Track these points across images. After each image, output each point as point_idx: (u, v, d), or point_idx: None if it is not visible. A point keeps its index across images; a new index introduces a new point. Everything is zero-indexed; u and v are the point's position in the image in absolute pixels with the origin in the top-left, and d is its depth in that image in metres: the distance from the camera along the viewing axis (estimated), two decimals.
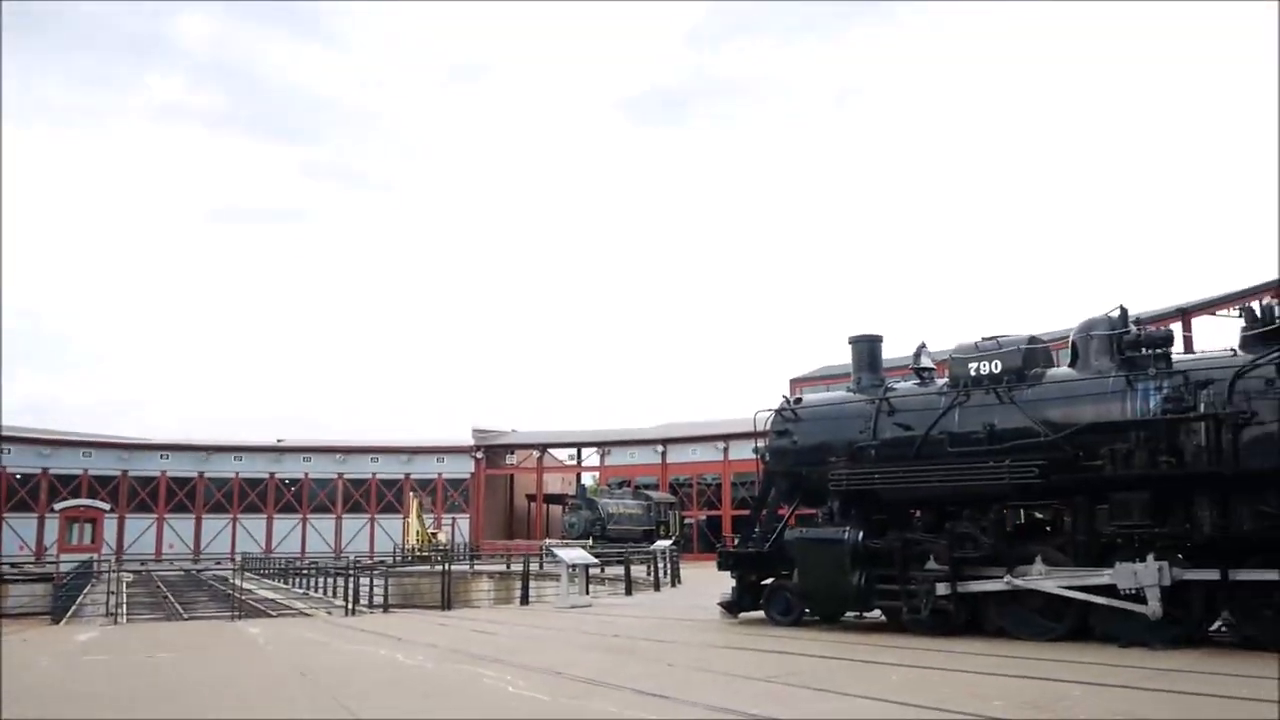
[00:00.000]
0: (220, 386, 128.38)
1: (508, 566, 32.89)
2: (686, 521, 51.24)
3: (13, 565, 42.28)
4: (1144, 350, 11.03)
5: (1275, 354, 9.98)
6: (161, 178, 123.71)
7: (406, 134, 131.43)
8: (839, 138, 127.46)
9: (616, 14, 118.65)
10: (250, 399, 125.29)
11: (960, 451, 11.79)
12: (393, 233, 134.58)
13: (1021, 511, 12.57)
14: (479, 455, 59.80)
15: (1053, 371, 11.97)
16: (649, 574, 24.61)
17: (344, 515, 59.30)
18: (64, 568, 38.30)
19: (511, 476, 63.94)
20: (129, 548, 54.50)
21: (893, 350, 14.74)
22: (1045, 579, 10.93)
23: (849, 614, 13.36)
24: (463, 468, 60.18)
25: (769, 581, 14.03)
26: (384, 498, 59.69)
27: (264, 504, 58.60)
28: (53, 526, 53.32)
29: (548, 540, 44.17)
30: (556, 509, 60.07)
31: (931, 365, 13.49)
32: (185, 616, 24.24)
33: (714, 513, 52.99)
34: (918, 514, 12.68)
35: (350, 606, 20.08)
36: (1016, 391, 11.72)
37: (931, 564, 11.71)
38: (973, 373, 12.19)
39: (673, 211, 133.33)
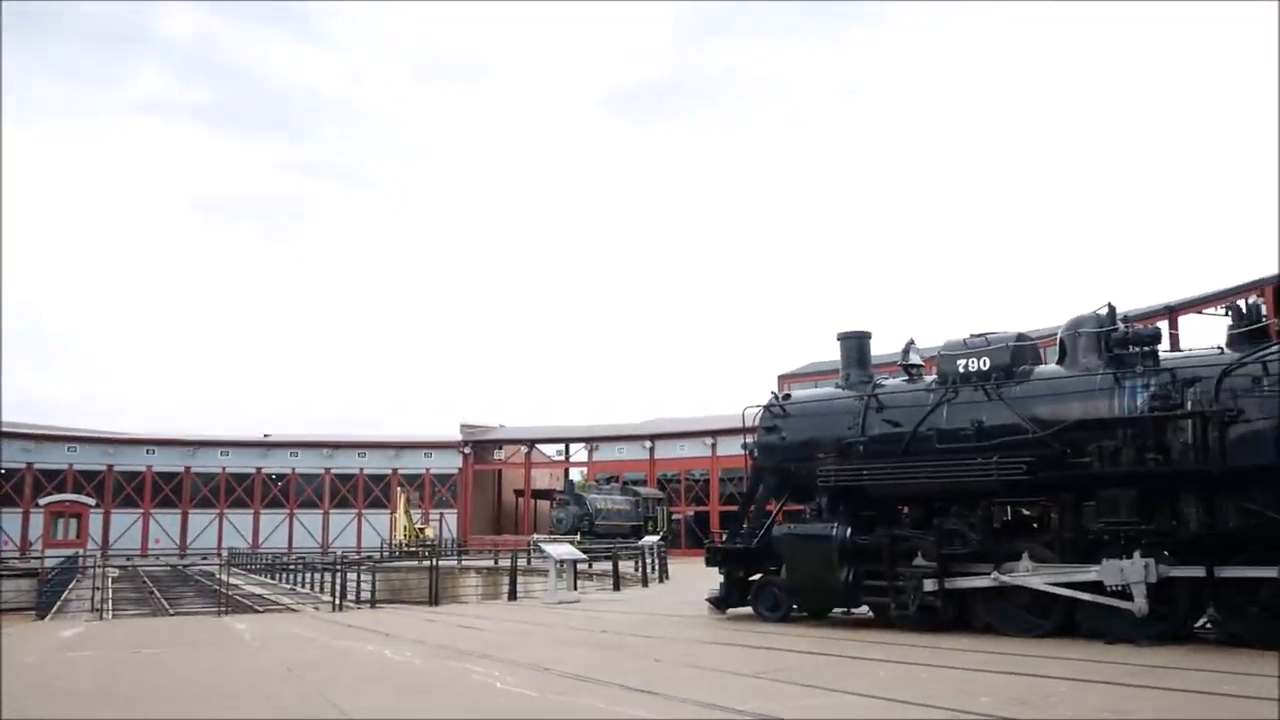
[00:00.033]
0: (207, 381, 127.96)
1: (495, 562, 32.87)
2: (674, 517, 51.28)
3: None
4: (1132, 348, 11.06)
5: (1262, 352, 10.03)
6: (147, 171, 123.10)
7: (394, 129, 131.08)
8: (828, 134, 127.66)
9: (602, 11, 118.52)
10: (237, 394, 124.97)
11: (948, 448, 11.82)
12: (380, 227, 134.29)
13: (1009, 508, 12.60)
14: (467, 451, 59.73)
15: (1041, 369, 12.00)
16: (637, 569, 24.62)
17: (331, 510, 59.13)
18: (49, 563, 38.15)
19: (499, 472, 63.89)
20: (114, 543, 54.24)
21: (881, 347, 14.77)
22: (1032, 575, 10.97)
23: (836, 610, 13.40)
24: (450, 463, 60.09)
25: (757, 577, 14.05)
26: (371, 493, 59.53)
27: (251, 499, 58.37)
28: (37, 522, 52.98)
29: (535, 536, 44.14)
30: (544, 504, 60.05)
31: (920, 362, 13.50)
32: (171, 612, 24.16)
33: (702, 508, 53.06)
34: (906, 510, 12.73)
35: (337, 602, 20.04)
36: (1005, 388, 11.74)
37: (919, 560, 11.74)
38: (961, 369, 12.21)
39: (661, 208, 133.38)
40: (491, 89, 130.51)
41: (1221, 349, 10.80)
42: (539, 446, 61.21)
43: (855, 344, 14.15)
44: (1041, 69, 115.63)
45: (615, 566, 23.00)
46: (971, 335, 12.47)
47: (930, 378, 12.90)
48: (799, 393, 15.42)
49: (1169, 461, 10.23)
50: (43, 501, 53.40)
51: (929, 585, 11.52)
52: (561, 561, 19.65)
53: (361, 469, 59.82)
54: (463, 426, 60.32)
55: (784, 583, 13.35)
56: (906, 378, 13.31)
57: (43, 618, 25.08)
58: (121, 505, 55.90)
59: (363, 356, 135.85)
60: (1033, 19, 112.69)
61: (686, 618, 14.34)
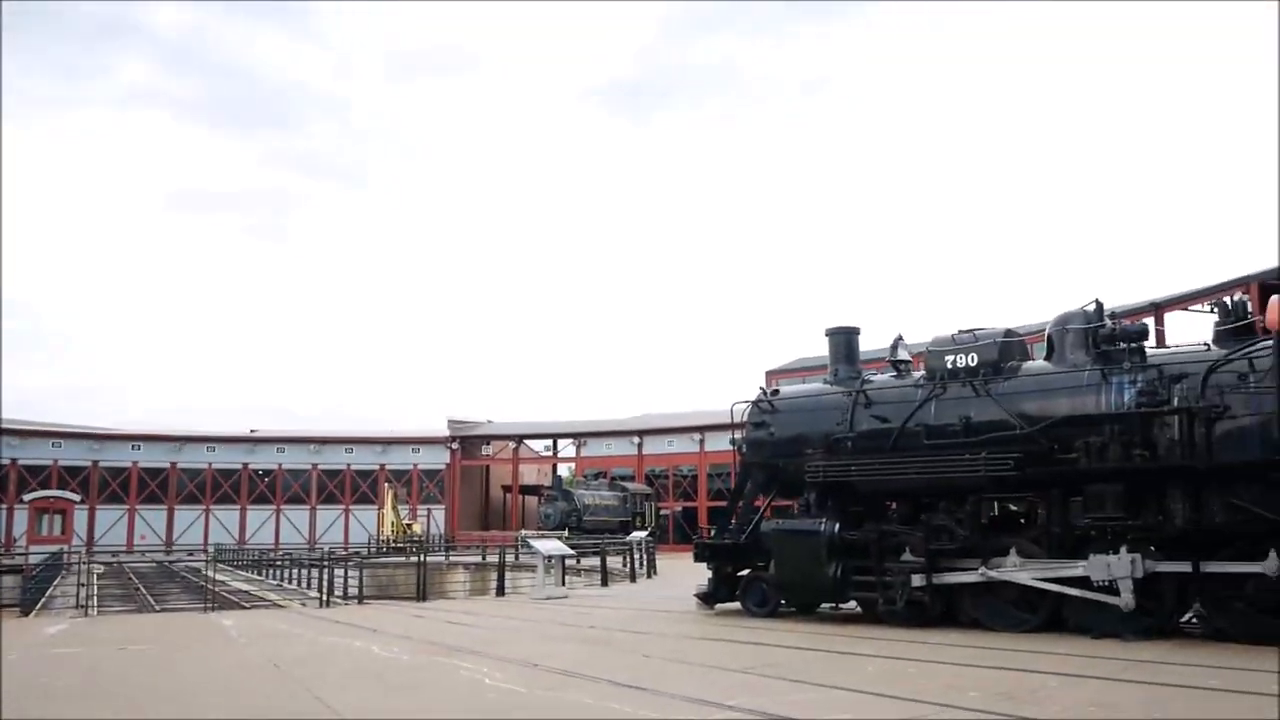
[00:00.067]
0: (193, 376, 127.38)
1: (483, 558, 32.81)
2: (662, 513, 51.29)
3: None
4: (1119, 344, 11.10)
5: (1248, 348, 10.08)
6: (129, 164, 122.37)
7: (382, 124, 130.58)
8: (814, 130, 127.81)
9: (588, 7, 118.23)
10: (224, 389, 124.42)
11: (936, 444, 11.84)
12: (368, 222, 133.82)
13: (996, 504, 12.64)
14: (454, 446, 59.61)
15: (1028, 365, 12.04)
16: (625, 565, 24.63)
17: (318, 506, 58.92)
18: (33, 559, 37.91)
19: (487, 467, 63.79)
20: (100, 539, 53.96)
21: (869, 342, 14.80)
22: (1020, 571, 11.01)
23: (825, 605, 13.42)
24: (438, 459, 59.97)
25: (745, 573, 14.06)
26: (359, 489, 59.34)
27: (237, 495, 58.12)
28: (22, 517, 52.62)
29: (524, 531, 44.08)
30: (532, 500, 59.92)
31: (908, 358, 13.52)
32: (157, 608, 24.02)
33: (690, 504, 53.10)
34: (894, 506, 12.75)
35: (324, 598, 19.93)
36: (993, 384, 11.78)
37: (907, 555, 11.76)
38: (949, 365, 12.24)
39: (649, 203, 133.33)
40: (479, 84, 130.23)
41: (1208, 345, 10.85)
42: (527, 442, 61.14)
43: (843, 340, 14.16)
44: (1030, 68, 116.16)
45: (603, 562, 23.01)
46: (960, 331, 12.50)
47: (918, 374, 12.93)
48: (787, 388, 15.43)
49: (1155, 457, 10.28)
50: (27, 497, 53.04)
51: (917, 580, 11.55)
52: (549, 557, 19.63)
53: (349, 464, 59.66)
54: (450, 422, 60.17)
55: (772, 578, 13.36)
56: (895, 373, 13.33)
57: (27, 614, 24.89)
58: (107, 501, 55.61)
59: (350, 352, 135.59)
60: (1020, 18, 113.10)
61: (675, 613, 14.34)
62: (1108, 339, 11.21)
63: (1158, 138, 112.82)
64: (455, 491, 59.22)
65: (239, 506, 58.01)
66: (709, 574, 14.54)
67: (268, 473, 58.83)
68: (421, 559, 21.93)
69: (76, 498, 54.74)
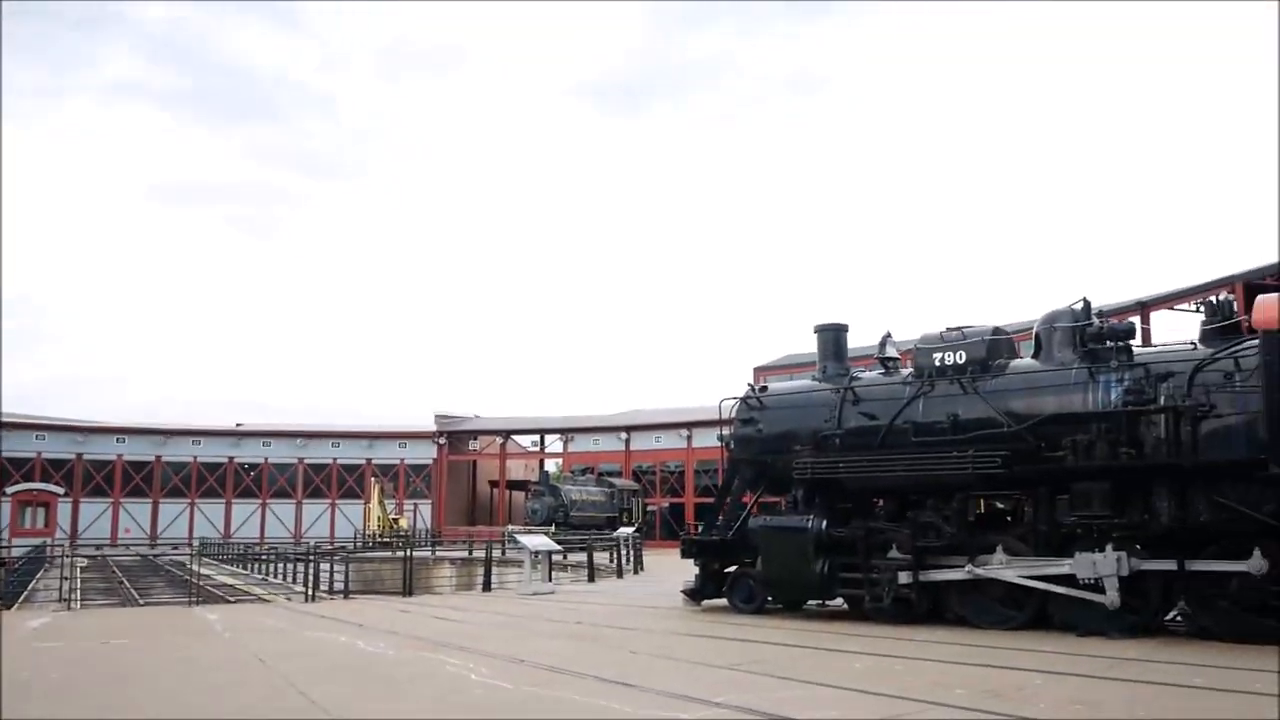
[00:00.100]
0: (178, 369, 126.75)
1: (470, 553, 32.75)
2: (649, 509, 51.30)
3: None
4: (1106, 343, 11.14)
5: (1234, 347, 10.12)
6: (114, 154, 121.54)
7: (366, 118, 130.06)
8: (804, 127, 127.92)
9: (577, 5, 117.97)
10: (210, 382, 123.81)
11: (924, 441, 11.87)
12: (356, 216, 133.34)
13: (983, 501, 12.68)
14: (441, 441, 59.50)
15: (1016, 363, 12.07)
16: (612, 561, 24.61)
17: (304, 500, 58.75)
18: (16, 552, 37.64)
19: (474, 462, 63.66)
20: (83, 532, 53.65)
21: (858, 339, 14.81)
22: (1006, 568, 11.03)
23: (811, 602, 13.44)
24: (425, 453, 59.87)
25: (732, 569, 14.06)
26: (345, 483, 59.19)
27: (222, 488, 57.85)
28: (4, 510, 52.26)
29: (510, 527, 44.06)
30: (519, 495, 59.89)
31: (896, 355, 13.55)
32: (141, 602, 23.87)
33: (677, 500, 53.12)
34: (881, 503, 12.77)
35: (310, 593, 19.86)
36: (980, 382, 11.81)
37: (894, 553, 11.78)
38: (937, 363, 12.27)
39: (637, 199, 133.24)
40: (467, 80, 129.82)
41: (1194, 344, 10.89)
42: (514, 437, 61.07)
43: (832, 337, 14.18)
44: (1021, 67, 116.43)
45: (590, 558, 22.97)
46: (948, 329, 12.53)
47: (906, 371, 12.95)
48: (775, 385, 15.43)
49: (1142, 456, 10.33)
50: (10, 490, 52.68)
51: (904, 578, 11.57)
52: (536, 553, 19.58)
53: (335, 459, 59.50)
54: (437, 417, 60.04)
55: (759, 574, 13.37)
56: (883, 371, 13.35)
57: (9, 608, 24.72)
58: (91, 494, 55.26)
59: (337, 345, 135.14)
60: (1010, 18, 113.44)
61: (662, 609, 14.33)
62: (1095, 337, 11.25)
63: (1146, 137, 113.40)
64: (442, 486, 59.11)
65: (224, 500, 57.76)
66: (696, 570, 14.54)
67: (253, 466, 58.63)
68: (408, 554, 21.86)
69: (60, 490, 54.40)
